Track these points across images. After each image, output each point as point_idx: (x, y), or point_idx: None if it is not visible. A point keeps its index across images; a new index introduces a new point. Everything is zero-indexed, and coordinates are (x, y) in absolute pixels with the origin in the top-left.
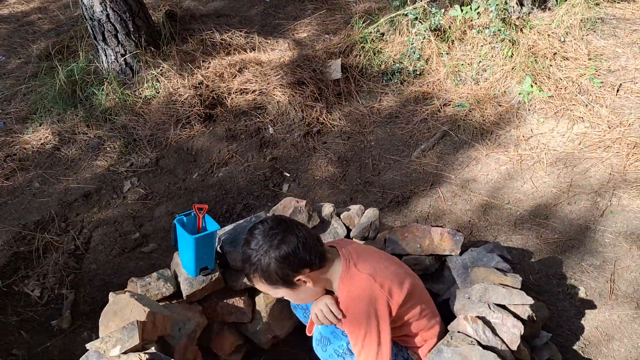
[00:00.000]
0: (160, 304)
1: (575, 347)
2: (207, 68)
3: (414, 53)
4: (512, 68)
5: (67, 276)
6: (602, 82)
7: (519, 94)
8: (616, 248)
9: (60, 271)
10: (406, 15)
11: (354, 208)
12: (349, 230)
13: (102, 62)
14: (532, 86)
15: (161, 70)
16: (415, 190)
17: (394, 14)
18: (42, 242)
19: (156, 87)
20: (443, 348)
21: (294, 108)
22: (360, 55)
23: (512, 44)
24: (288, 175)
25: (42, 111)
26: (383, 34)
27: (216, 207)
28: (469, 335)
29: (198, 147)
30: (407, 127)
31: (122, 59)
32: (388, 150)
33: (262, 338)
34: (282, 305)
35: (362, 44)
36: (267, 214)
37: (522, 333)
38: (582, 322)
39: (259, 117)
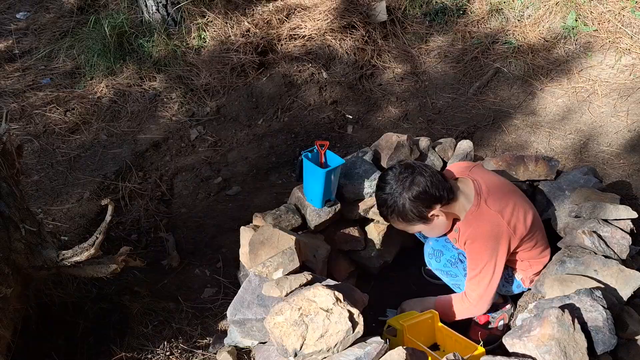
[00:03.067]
0: None
1: None
2: (253, 15)
3: None
4: (556, 3)
5: (160, 220)
6: None
7: (564, 29)
8: None
9: (153, 216)
10: None
11: (446, 141)
12: (444, 162)
13: (143, 13)
14: (576, 21)
15: (207, 19)
16: (478, 125)
17: None
18: (126, 190)
19: (203, 36)
20: (565, 259)
21: (346, 52)
22: None
23: None
24: (350, 117)
25: (88, 65)
26: None
27: (288, 150)
28: (585, 247)
29: (258, 94)
30: (458, 66)
31: (164, 9)
32: (443, 89)
33: (375, 264)
34: (391, 232)
35: None
36: (370, 148)
37: (630, 244)
38: None
39: (311, 62)
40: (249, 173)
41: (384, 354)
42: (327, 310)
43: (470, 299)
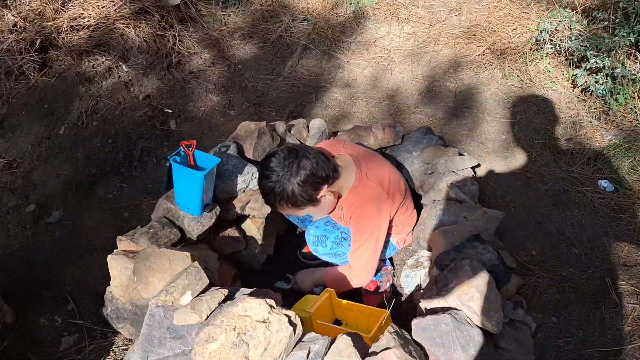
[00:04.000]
0: None
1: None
2: (17, 7)
3: None
4: None
5: None
6: None
7: (350, 3)
8: (475, 118)
9: None
10: None
11: (298, 122)
12: (301, 143)
13: None
14: None
15: None
16: (304, 103)
17: None
18: None
19: None
20: (439, 213)
21: (145, 40)
22: None
23: None
24: (170, 111)
25: None
26: None
27: (109, 158)
28: (451, 199)
29: (49, 98)
30: (266, 46)
31: None
32: (259, 71)
33: (260, 260)
34: (267, 224)
35: None
36: (230, 141)
37: (477, 188)
38: (495, 170)
39: (105, 55)
40: (68, 192)
41: (330, 346)
42: (264, 322)
43: (354, 270)
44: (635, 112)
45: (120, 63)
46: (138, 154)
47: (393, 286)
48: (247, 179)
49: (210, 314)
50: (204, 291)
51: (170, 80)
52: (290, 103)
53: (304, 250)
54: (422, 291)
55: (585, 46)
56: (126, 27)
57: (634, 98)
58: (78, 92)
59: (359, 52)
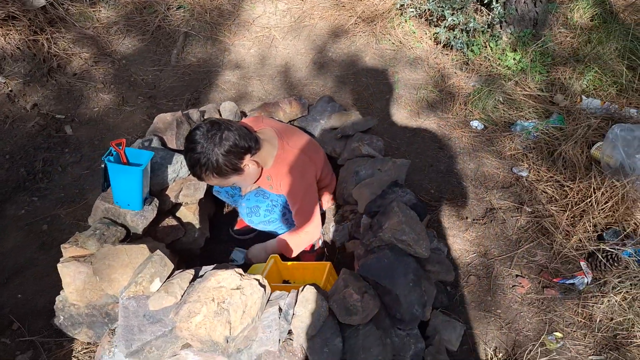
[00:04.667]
0: None
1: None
2: None
3: None
4: None
5: None
6: None
7: None
8: (360, 83)
9: None
10: None
11: (208, 107)
12: None
13: None
14: None
15: None
16: (199, 89)
17: None
18: None
19: None
20: (358, 169)
21: (18, 47)
22: None
23: None
24: (62, 117)
25: None
26: None
27: (10, 175)
28: (363, 155)
29: None
30: (146, 38)
31: None
32: (144, 64)
33: (200, 243)
34: (201, 207)
35: None
36: (150, 135)
37: (382, 143)
38: (387, 126)
39: None
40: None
41: (297, 297)
42: (238, 288)
43: (304, 227)
44: (488, 59)
45: None
46: (40, 165)
47: (325, 242)
48: (177, 168)
49: (184, 293)
50: (169, 276)
51: (54, 85)
52: (185, 91)
53: (236, 227)
54: (353, 241)
55: (442, 6)
56: None
57: (485, 47)
58: None
59: (241, 33)
